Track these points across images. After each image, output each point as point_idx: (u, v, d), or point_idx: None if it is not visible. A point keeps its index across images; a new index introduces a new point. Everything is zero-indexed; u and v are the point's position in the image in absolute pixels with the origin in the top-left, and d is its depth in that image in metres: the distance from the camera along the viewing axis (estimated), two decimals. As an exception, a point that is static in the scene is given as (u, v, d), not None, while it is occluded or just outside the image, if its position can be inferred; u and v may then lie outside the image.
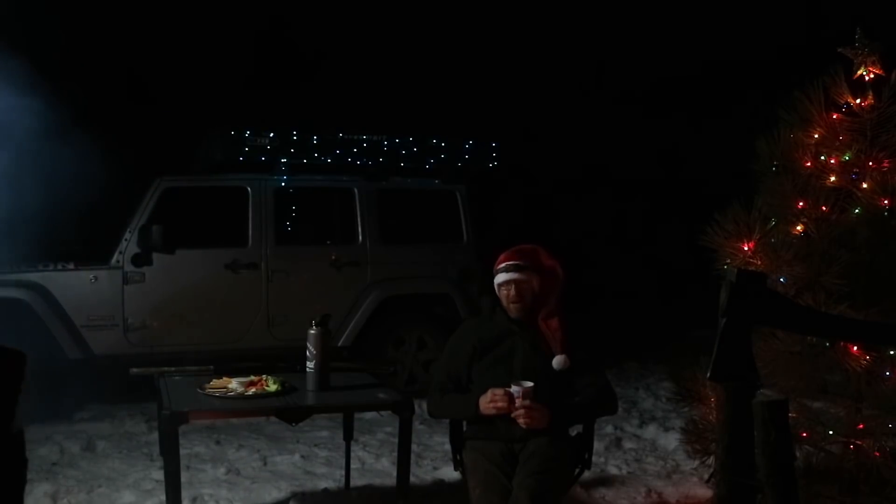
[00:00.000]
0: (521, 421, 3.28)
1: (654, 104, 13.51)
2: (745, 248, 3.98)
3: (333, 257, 6.73)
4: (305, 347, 3.76)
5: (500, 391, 3.30)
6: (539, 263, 3.55)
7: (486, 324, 3.64)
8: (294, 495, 4.53)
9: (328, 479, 4.81)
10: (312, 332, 3.75)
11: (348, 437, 4.50)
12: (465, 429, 3.61)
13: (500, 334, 3.55)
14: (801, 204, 4.04)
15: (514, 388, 3.29)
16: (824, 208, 4.00)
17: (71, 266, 6.20)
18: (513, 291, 3.50)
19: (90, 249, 6.38)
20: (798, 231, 4.03)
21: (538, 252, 3.60)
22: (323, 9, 12.86)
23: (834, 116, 4.05)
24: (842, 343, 3.72)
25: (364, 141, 6.88)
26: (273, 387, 3.76)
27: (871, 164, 3.98)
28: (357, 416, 5.07)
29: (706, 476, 4.53)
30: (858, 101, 4.02)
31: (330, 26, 13.03)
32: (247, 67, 12.02)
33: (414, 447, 4.48)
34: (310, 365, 3.77)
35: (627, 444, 5.59)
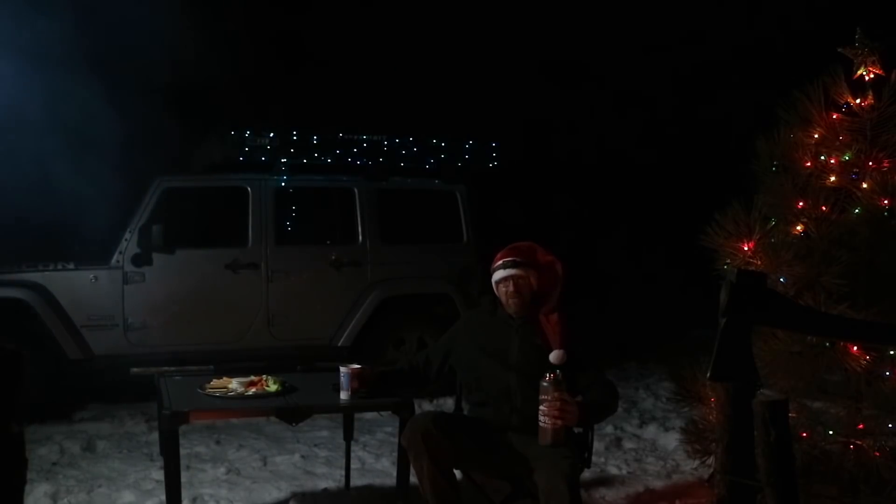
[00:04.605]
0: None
1: (656, 100, 13.51)
2: (745, 248, 3.98)
3: (333, 257, 6.72)
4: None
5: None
6: (535, 260, 3.58)
7: (486, 318, 3.66)
8: (294, 495, 4.53)
9: (328, 479, 4.81)
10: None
11: (348, 437, 4.51)
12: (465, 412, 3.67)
13: (499, 328, 3.57)
14: (801, 204, 4.04)
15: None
16: (824, 208, 4.00)
17: (71, 266, 6.20)
18: (511, 288, 3.52)
19: (90, 249, 6.39)
20: (798, 231, 4.03)
21: (534, 249, 3.63)
22: (323, 8, 12.85)
23: (834, 116, 4.06)
24: (842, 343, 3.73)
25: (364, 141, 6.89)
26: (273, 387, 3.77)
27: (871, 164, 3.98)
28: (357, 416, 5.07)
29: (706, 476, 4.53)
30: (858, 101, 4.02)
31: (330, 26, 13.02)
32: (247, 67, 12.01)
33: (414, 447, 4.47)
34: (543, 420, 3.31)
35: (627, 444, 5.59)
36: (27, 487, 2.98)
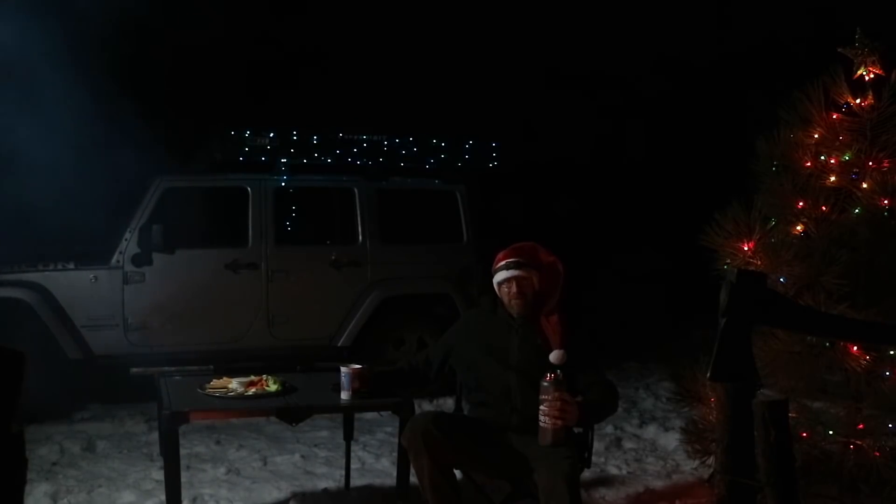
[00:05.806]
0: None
1: (657, 102, 13.52)
2: (745, 248, 3.99)
3: (333, 257, 6.72)
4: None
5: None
6: (538, 260, 3.58)
7: (486, 318, 3.66)
8: (294, 495, 4.53)
9: (328, 479, 4.81)
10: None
11: (348, 437, 4.51)
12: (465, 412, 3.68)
13: (499, 328, 3.57)
14: (801, 204, 4.05)
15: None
16: (824, 208, 4.00)
17: (71, 266, 6.19)
18: (514, 288, 3.52)
19: (90, 249, 6.38)
20: (798, 231, 4.04)
21: (537, 249, 3.63)
22: (323, 8, 12.85)
23: (834, 116, 4.06)
24: (842, 343, 3.73)
25: (364, 141, 6.88)
26: (273, 387, 3.77)
27: (871, 164, 3.98)
28: (357, 416, 5.07)
29: (706, 476, 4.53)
30: (858, 101, 4.02)
31: (330, 26, 13.02)
32: (247, 67, 12.02)
33: (414, 447, 4.47)
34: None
35: (627, 444, 5.59)
36: (27, 487, 2.98)
